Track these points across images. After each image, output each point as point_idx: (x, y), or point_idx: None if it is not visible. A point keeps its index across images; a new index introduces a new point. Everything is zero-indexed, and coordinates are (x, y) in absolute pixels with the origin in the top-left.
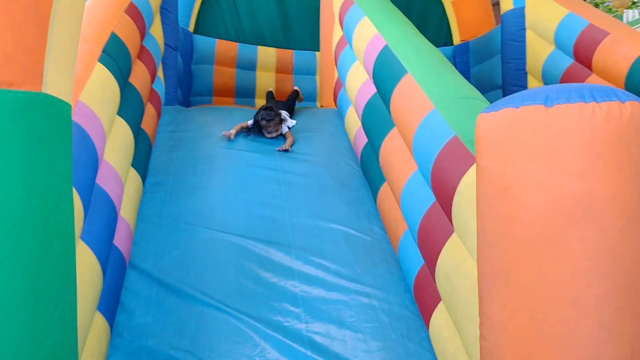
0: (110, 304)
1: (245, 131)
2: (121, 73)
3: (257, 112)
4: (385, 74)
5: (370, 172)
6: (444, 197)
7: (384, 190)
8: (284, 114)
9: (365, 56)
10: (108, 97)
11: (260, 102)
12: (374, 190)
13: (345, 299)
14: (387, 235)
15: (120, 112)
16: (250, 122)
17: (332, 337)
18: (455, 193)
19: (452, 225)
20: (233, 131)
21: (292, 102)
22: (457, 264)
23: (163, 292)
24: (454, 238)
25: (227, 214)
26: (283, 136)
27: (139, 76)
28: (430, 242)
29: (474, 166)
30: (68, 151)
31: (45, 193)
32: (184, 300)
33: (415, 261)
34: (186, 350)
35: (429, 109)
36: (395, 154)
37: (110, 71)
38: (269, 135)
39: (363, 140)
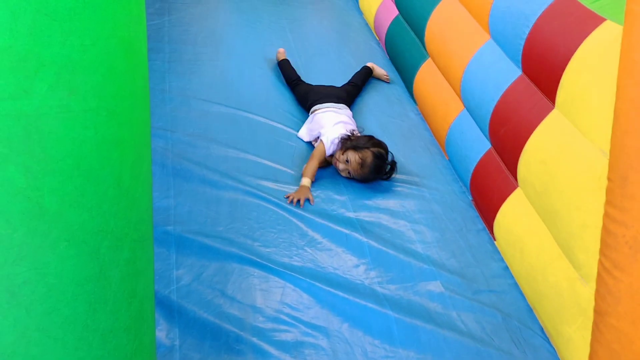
0: None
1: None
2: None
3: (351, 143)
4: None
5: (403, 50)
6: (549, 67)
7: (426, 70)
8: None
9: None
10: None
11: None
12: (407, 71)
13: (392, 187)
14: (424, 121)
15: None
16: (328, 145)
17: (385, 227)
18: (571, 60)
19: (551, 102)
20: (306, 183)
21: (356, 89)
22: (560, 145)
23: (181, 174)
24: (554, 117)
25: (245, 91)
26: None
27: None
28: (514, 123)
29: (601, 28)
30: None
31: None
32: (208, 184)
33: (476, 146)
34: (223, 238)
35: None
36: (455, 24)
37: None
38: (341, 167)
39: (390, 13)
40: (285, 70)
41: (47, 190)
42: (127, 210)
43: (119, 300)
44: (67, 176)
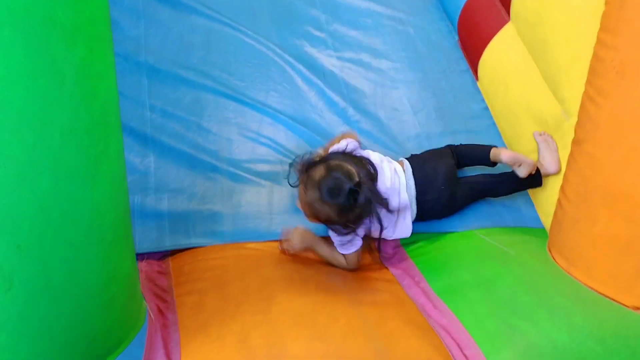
0: None
1: None
2: None
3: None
4: None
5: None
6: None
7: None
8: None
9: None
10: None
11: None
12: None
13: (376, 25)
14: None
15: None
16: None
17: (366, 66)
18: None
19: None
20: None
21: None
22: None
23: (152, 2)
24: None
25: None
26: None
27: None
28: None
29: None
30: None
31: None
32: (180, 14)
33: None
34: (198, 70)
35: None
36: None
37: None
38: None
39: None
40: None
41: None
42: (78, 1)
43: (77, 98)
44: None
